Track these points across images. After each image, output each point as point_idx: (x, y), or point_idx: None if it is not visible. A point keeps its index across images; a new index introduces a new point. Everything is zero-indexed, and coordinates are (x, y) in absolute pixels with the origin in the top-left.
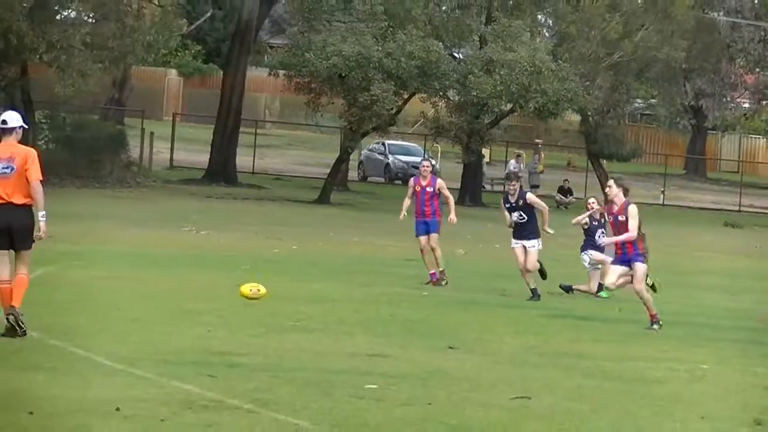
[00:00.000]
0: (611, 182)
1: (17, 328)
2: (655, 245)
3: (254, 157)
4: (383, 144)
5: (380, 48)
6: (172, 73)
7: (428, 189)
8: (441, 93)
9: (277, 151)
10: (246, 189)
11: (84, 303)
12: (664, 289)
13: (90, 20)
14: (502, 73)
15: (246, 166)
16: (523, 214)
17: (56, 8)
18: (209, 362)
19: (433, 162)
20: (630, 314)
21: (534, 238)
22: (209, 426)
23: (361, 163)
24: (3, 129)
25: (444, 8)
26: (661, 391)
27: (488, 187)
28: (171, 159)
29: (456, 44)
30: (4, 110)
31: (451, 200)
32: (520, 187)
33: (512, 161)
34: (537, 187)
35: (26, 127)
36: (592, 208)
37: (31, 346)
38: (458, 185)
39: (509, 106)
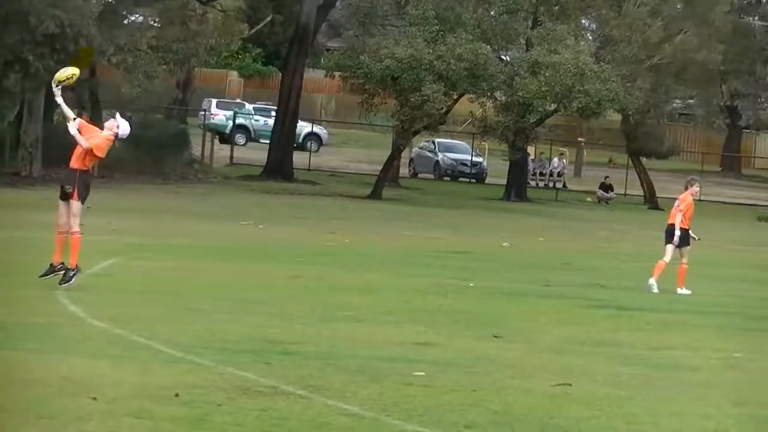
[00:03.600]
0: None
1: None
2: None
3: (310, 154)
4: (433, 142)
5: (431, 51)
6: (233, 74)
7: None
8: (489, 93)
9: (332, 148)
10: (302, 185)
11: (147, 294)
12: (702, 281)
13: (156, 25)
14: (547, 74)
15: (302, 163)
16: None
17: (124, 13)
18: (265, 350)
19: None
20: (668, 304)
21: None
22: (264, 411)
23: (412, 160)
24: None
25: (492, 13)
26: (696, 378)
27: (533, 184)
28: (231, 156)
29: (503, 47)
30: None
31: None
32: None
33: (555, 159)
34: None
35: None
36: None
37: (96, 335)
38: (504, 181)
39: (554, 106)
